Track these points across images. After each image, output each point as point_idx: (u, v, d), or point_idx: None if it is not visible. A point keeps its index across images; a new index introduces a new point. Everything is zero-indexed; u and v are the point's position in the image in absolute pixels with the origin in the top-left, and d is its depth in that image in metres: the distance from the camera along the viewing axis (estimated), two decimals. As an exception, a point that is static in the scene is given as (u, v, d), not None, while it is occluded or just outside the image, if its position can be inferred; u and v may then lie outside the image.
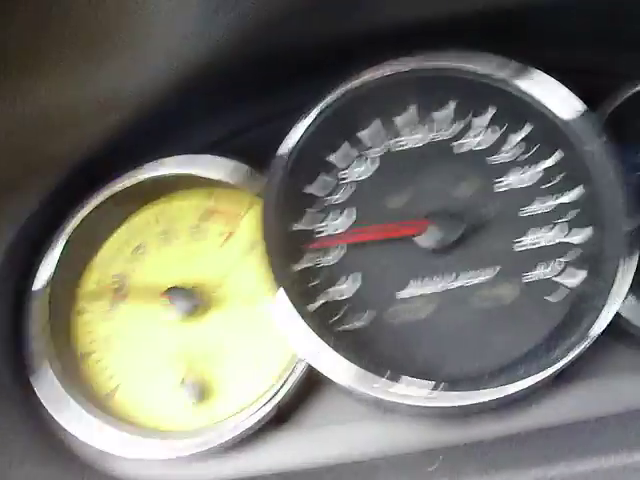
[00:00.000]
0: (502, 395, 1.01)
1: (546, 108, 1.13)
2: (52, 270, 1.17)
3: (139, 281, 1.20)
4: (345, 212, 1.17)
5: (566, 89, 1.12)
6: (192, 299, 1.15)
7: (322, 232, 1.17)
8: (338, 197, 1.18)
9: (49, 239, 1.18)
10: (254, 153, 1.18)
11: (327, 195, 1.18)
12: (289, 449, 1.11)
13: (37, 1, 0.83)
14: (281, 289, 1.06)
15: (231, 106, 1.24)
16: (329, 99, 1.15)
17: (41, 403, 1.11)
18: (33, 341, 1.14)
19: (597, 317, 1.03)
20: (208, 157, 1.20)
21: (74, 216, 1.19)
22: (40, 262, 1.17)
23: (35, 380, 1.12)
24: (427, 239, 1.12)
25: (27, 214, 1.15)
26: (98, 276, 1.22)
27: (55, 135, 1.08)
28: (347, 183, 1.19)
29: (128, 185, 1.20)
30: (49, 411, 1.11)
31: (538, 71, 1.13)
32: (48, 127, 1.05)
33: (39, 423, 1.13)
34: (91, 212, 1.19)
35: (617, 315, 1.04)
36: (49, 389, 1.11)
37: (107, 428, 1.09)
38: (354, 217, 1.16)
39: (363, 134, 1.20)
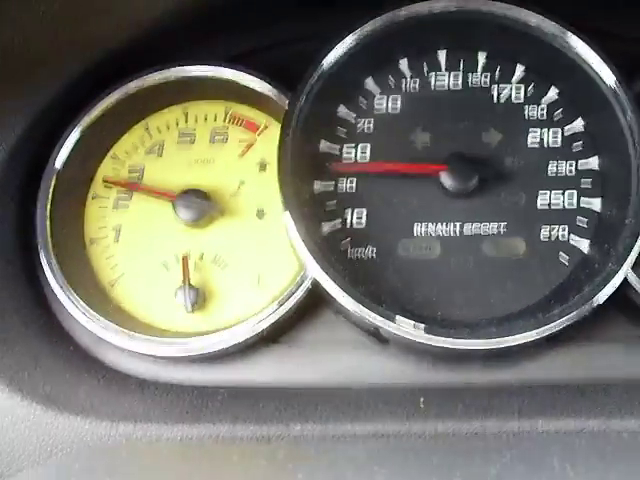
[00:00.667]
0: (495, 346, 1.03)
1: (583, 71, 1.11)
2: (69, 151, 1.16)
3: (155, 177, 1.20)
4: (369, 142, 1.16)
5: (605, 57, 1.10)
6: (205, 203, 1.15)
7: (343, 156, 1.16)
8: (360, 127, 1.17)
9: (72, 122, 1.17)
10: (285, 70, 1.17)
11: (355, 120, 1.17)
12: (280, 366, 1.12)
13: None
14: (293, 209, 1.07)
15: (268, 21, 1.22)
16: (371, 25, 1.13)
17: (47, 282, 1.13)
18: (43, 222, 1.14)
19: (601, 284, 1.03)
20: (239, 66, 1.18)
21: (97, 104, 1.18)
22: (60, 143, 1.16)
23: (42, 261, 1.13)
24: (445, 181, 1.12)
25: (54, 92, 1.14)
26: (114, 165, 1.21)
27: (92, 19, 1.07)
28: (370, 114, 1.18)
29: (153, 82, 1.19)
30: (53, 290, 1.12)
31: (578, 34, 1.11)
32: (88, 10, 1.04)
33: (42, 302, 1.15)
34: (114, 104, 1.18)
35: (624, 284, 1.04)
36: (53, 271, 1.12)
37: (105, 316, 1.10)
38: (376, 148, 1.16)
39: (402, 64, 1.19)
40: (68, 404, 1.01)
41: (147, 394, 1.08)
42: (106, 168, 1.21)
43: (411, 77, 1.18)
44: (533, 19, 1.12)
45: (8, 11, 0.96)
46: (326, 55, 1.12)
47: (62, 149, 1.16)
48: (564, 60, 1.12)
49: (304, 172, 1.12)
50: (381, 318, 1.04)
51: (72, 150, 1.16)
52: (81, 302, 1.10)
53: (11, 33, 1.00)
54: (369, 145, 1.16)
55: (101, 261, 1.17)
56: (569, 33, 1.11)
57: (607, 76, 1.09)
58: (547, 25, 1.11)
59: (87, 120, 1.17)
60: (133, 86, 1.18)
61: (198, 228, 1.16)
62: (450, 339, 1.03)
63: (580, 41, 1.10)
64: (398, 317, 1.04)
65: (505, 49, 1.17)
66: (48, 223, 1.14)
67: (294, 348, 1.13)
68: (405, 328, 1.03)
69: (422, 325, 1.03)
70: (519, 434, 0.98)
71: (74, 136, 1.16)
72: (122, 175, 1.21)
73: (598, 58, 1.10)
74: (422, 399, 1.03)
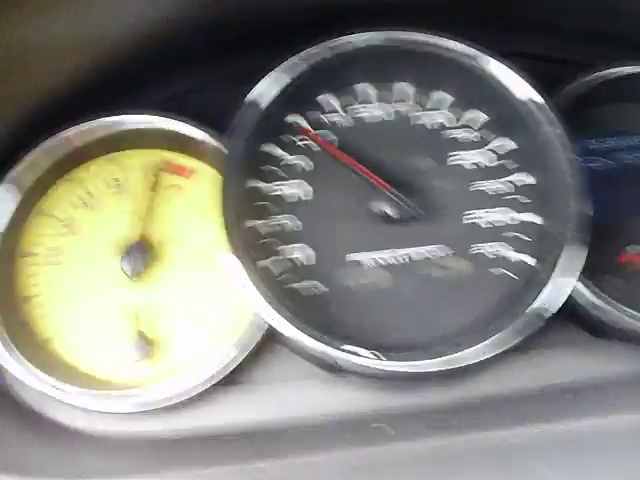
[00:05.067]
0: (450, 364, 1.03)
1: (506, 90, 1.16)
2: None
3: (89, 230, 1.16)
4: (305, 179, 1.17)
5: (526, 74, 1.15)
6: (144, 253, 1.13)
7: (278, 192, 1.17)
8: (294, 163, 1.18)
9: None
10: (214, 112, 1.16)
11: (284, 156, 1.18)
12: (236, 407, 1.10)
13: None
14: (233, 245, 1.06)
15: (197, 63, 1.22)
16: (292, 61, 1.15)
17: None
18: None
19: (551, 294, 1.06)
20: (168, 113, 1.18)
21: (25, 158, 1.14)
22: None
23: None
24: (380, 207, 1.14)
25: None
26: (47, 220, 1.17)
27: (19, 72, 1.04)
28: (303, 150, 1.19)
29: (84, 132, 1.16)
30: None
31: (500, 55, 1.16)
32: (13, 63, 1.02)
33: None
34: (43, 156, 1.15)
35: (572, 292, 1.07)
36: None
37: (49, 372, 1.06)
38: (315, 184, 1.17)
39: (323, 99, 1.21)
40: (19, 466, 0.96)
41: (102, 449, 1.03)
42: (35, 225, 1.17)
43: (341, 111, 1.20)
44: (450, 45, 1.16)
45: None
46: (251, 96, 1.13)
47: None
48: (486, 83, 1.16)
49: (243, 208, 1.12)
50: (333, 350, 1.03)
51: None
52: (22, 359, 1.05)
53: None
54: (304, 182, 1.17)
55: (37, 318, 1.13)
56: (487, 56, 1.15)
57: (525, 91, 1.14)
58: (463, 50, 1.16)
59: (11, 176, 1.13)
60: (59, 139, 1.15)
61: (139, 277, 1.13)
62: (404, 362, 1.03)
63: (493, 61, 1.15)
64: (350, 347, 1.03)
65: (423, 77, 1.21)
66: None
67: (249, 388, 1.11)
68: (358, 357, 1.03)
69: (375, 352, 1.03)
70: (487, 446, 0.98)
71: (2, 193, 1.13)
72: (54, 228, 1.16)
73: (514, 75, 1.14)
74: (385, 426, 1.03)
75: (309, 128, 1.19)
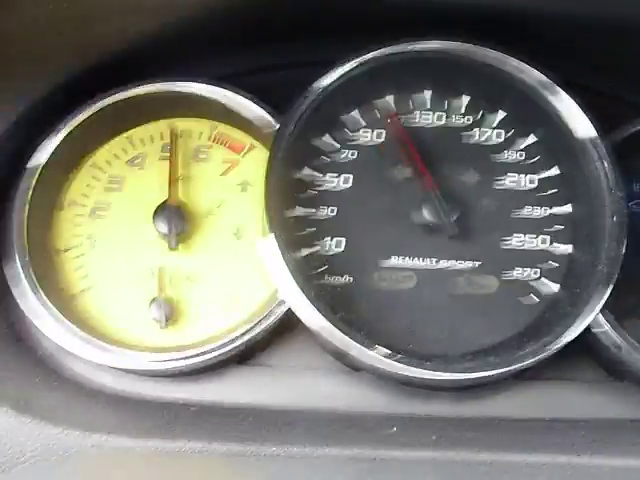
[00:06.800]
0: (466, 379, 1.04)
1: (562, 121, 1.16)
2: (49, 155, 1.14)
3: (136, 189, 1.18)
4: (351, 173, 1.18)
5: (583, 109, 1.15)
6: (182, 220, 1.14)
7: (321, 186, 1.18)
8: (343, 157, 1.19)
9: (55, 124, 1.15)
10: (273, 94, 1.18)
11: (333, 152, 1.19)
12: (250, 387, 1.12)
13: None
14: (273, 233, 1.07)
15: (259, 44, 1.23)
16: (361, 59, 1.15)
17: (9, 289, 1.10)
18: (12, 226, 1.11)
19: (573, 323, 1.07)
20: (227, 85, 1.18)
21: (80, 111, 1.16)
22: (41, 146, 1.14)
23: (13, 266, 1.10)
24: (423, 216, 1.14)
25: (39, 94, 1.12)
26: (94, 173, 1.19)
27: (82, 27, 1.06)
28: (354, 145, 1.20)
29: (138, 95, 1.18)
30: (15, 297, 1.09)
31: (560, 86, 1.16)
32: (78, 18, 1.04)
33: (12, 310, 1.11)
34: (98, 112, 1.16)
35: (587, 330, 1.08)
36: (17, 277, 1.09)
37: (67, 325, 1.07)
38: (358, 179, 1.18)
39: (389, 99, 1.22)
40: (39, 410, 0.98)
41: (118, 407, 1.06)
42: (86, 176, 1.19)
43: (396, 113, 1.21)
44: (515, 68, 1.16)
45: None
46: (316, 84, 1.14)
47: (42, 152, 1.13)
48: (544, 109, 1.17)
49: (285, 197, 1.13)
50: (355, 346, 1.04)
51: (52, 154, 1.14)
52: (53, 309, 1.07)
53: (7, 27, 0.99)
54: (351, 176, 1.18)
55: (71, 270, 1.15)
56: (550, 83, 1.16)
57: (585, 127, 1.14)
58: (529, 75, 1.16)
59: (69, 126, 1.15)
60: (118, 97, 1.17)
61: (175, 243, 1.14)
62: (423, 370, 1.04)
63: (560, 93, 1.15)
64: (372, 346, 1.04)
65: (488, 94, 1.21)
66: (21, 227, 1.11)
67: (266, 370, 1.12)
68: (379, 357, 1.04)
69: (396, 355, 1.04)
70: (489, 466, 0.99)
71: (55, 140, 1.14)
72: (102, 181, 1.19)
73: (577, 110, 1.15)
74: (394, 428, 1.05)
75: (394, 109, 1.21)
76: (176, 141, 1.20)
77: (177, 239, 1.14)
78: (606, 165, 1.13)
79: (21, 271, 1.09)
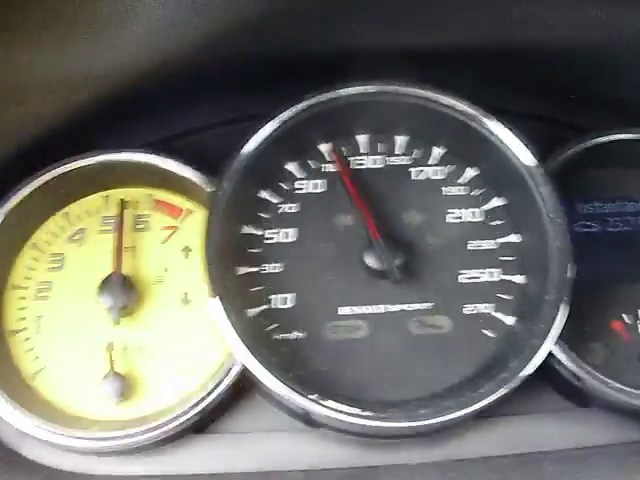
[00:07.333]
0: (425, 425, 1.02)
1: (500, 151, 1.15)
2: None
3: (77, 266, 1.17)
4: (292, 226, 1.17)
5: (519, 137, 1.14)
6: (128, 292, 1.13)
7: (265, 242, 1.17)
8: (285, 210, 1.18)
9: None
10: (209, 153, 1.17)
11: (274, 206, 1.19)
12: (211, 455, 1.10)
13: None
14: (219, 294, 1.05)
15: (195, 103, 1.23)
16: (293, 110, 1.15)
17: None
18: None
19: (529, 357, 1.05)
20: (161, 152, 1.18)
21: (16, 192, 1.15)
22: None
23: None
24: (370, 262, 1.13)
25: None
26: (35, 254, 1.18)
27: (18, 105, 1.06)
28: (296, 197, 1.19)
29: (74, 169, 1.17)
30: None
31: (492, 116, 1.15)
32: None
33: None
34: (34, 192, 1.16)
35: (550, 356, 1.06)
36: None
37: (28, 409, 1.05)
38: (300, 231, 1.17)
39: (323, 148, 1.21)
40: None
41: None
42: (26, 258, 1.18)
43: (337, 159, 1.20)
44: (446, 104, 1.16)
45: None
46: (247, 141, 1.13)
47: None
48: (481, 142, 1.16)
49: (228, 257, 1.12)
50: (311, 403, 1.02)
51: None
52: (4, 395, 1.05)
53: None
54: (295, 229, 1.17)
55: (22, 353, 1.13)
56: (482, 115, 1.15)
57: (522, 155, 1.14)
58: (461, 109, 1.15)
59: (7, 208, 1.14)
60: (54, 173, 1.16)
61: (123, 315, 1.13)
62: (381, 422, 1.02)
63: (494, 123, 1.15)
64: (327, 401, 1.02)
65: (423, 131, 1.21)
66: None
67: (225, 436, 1.10)
68: (335, 412, 1.02)
69: (352, 409, 1.02)
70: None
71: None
72: (44, 262, 1.18)
73: (512, 139, 1.14)
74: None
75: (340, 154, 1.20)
76: (122, 211, 1.19)
77: (122, 312, 1.12)
78: (543, 192, 1.12)
79: None
